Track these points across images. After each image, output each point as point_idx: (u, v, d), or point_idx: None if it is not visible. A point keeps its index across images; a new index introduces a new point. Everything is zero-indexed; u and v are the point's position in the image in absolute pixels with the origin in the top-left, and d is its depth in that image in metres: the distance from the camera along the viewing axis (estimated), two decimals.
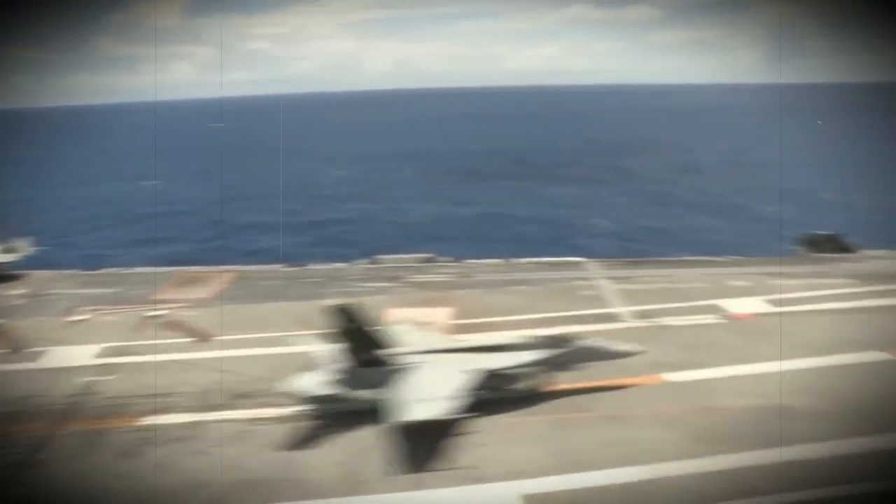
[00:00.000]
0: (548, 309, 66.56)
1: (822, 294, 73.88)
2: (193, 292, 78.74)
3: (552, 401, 50.44)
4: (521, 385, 50.83)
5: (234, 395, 52.88)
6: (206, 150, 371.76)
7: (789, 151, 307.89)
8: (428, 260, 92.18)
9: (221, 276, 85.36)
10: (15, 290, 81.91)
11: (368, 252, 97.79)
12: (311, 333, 54.71)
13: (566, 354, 51.32)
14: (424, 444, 44.46)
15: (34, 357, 61.41)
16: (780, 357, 56.18)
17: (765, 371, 54.67)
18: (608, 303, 72.50)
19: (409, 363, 49.74)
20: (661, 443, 44.66)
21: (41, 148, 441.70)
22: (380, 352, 49.78)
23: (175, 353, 61.12)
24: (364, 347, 49.43)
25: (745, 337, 61.91)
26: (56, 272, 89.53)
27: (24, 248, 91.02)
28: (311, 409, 49.21)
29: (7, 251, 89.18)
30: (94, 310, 73.03)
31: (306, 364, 51.81)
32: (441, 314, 68.35)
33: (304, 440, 46.27)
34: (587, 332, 56.38)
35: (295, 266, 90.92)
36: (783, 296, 72.78)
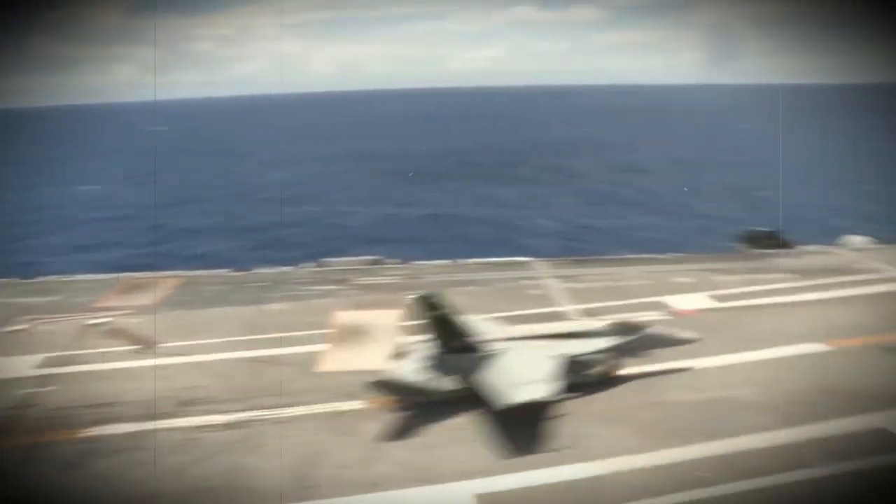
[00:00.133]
0: (496, 309, 66.93)
1: (763, 289, 75.90)
2: (137, 299, 76.93)
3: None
4: (594, 371, 52.56)
5: (180, 402, 51.94)
6: (148, 153, 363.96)
7: (731, 151, 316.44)
8: (375, 262, 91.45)
9: (166, 282, 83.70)
10: None
11: (314, 255, 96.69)
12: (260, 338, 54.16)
13: (636, 341, 53.50)
14: (526, 427, 45.59)
15: None
16: (724, 351, 57.89)
17: (710, 365, 55.97)
18: (555, 301, 73.29)
19: (497, 349, 50.66)
20: (609, 439, 45.33)
21: None
22: (467, 338, 50.48)
23: (119, 361, 59.71)
24: (452, 334, 50.14)
25: (690, 332, 63.06)
26: None
27: None
28: (405, 398, 49.68)
29: None
30: (33, 319, 70.88)
31: (397, 353, 53.45)
32: (390, 316, 68.17)
33: (399, 431, 46.74)
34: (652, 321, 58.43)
35: (240, 270, 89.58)
36: (725, 291, 74.58)
